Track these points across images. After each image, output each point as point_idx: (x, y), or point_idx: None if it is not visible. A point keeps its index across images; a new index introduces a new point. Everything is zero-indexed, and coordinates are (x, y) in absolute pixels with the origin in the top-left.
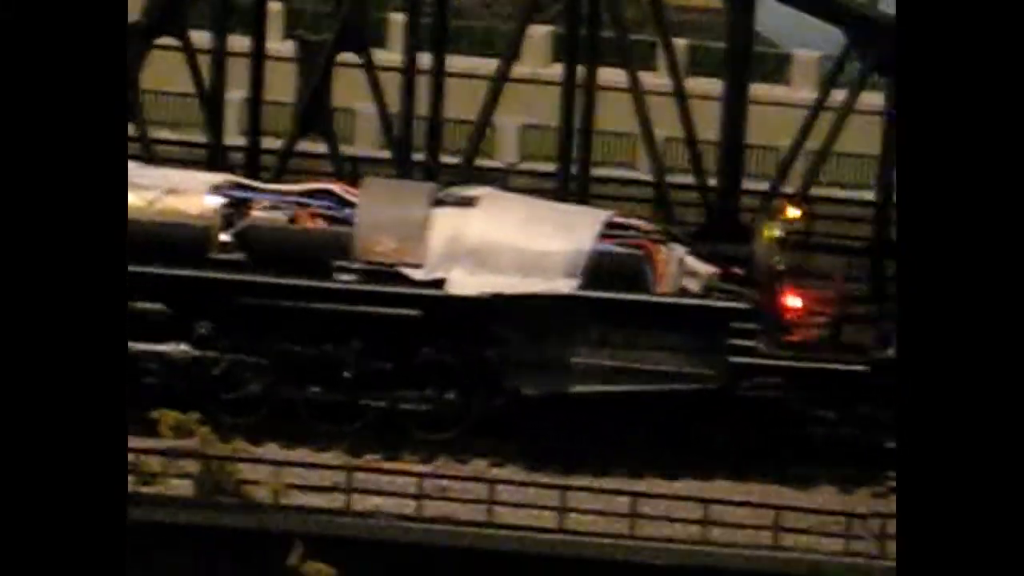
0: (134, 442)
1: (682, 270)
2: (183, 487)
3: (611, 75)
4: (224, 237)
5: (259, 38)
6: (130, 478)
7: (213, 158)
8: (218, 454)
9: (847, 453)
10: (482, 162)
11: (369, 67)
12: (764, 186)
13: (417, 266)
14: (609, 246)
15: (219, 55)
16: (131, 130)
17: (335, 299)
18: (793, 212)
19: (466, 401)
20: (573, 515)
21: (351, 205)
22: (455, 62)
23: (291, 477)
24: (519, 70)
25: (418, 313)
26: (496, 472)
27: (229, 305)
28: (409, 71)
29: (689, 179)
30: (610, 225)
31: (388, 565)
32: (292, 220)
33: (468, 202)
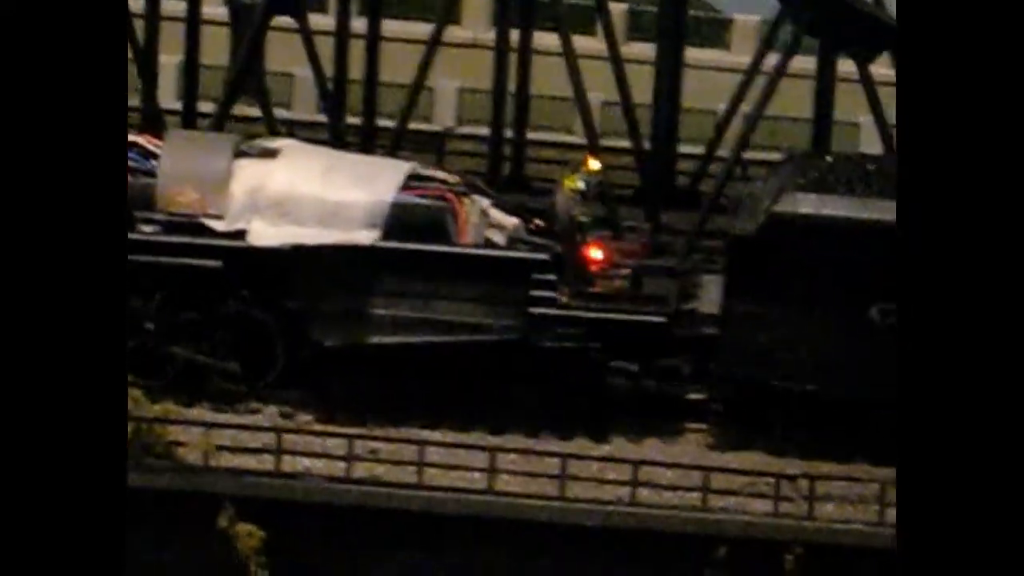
0: None
1: (486, 222)
2: None
3: (548, 40)
4: None
5: (193, 2)
6: None
7: (147, 121)
8: (148, 416)
9: (647, 404)
10: (419, 126)
11: (304, 31)
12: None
13: (219, 217)
14: (411, 197)
15: (152, 19)
16: None
17: (137, 251)
18: (595, 164)
19: (269, 352)
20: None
21: (154, 156)
22: (390, 26)
23: (221, 439)
24: (458, 34)
25: (219, 264)
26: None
27: None
28: (343, 34)
29: (625, 143)
30: (412, 176)
31: (318, 527)
32: None
33: (270, 153)
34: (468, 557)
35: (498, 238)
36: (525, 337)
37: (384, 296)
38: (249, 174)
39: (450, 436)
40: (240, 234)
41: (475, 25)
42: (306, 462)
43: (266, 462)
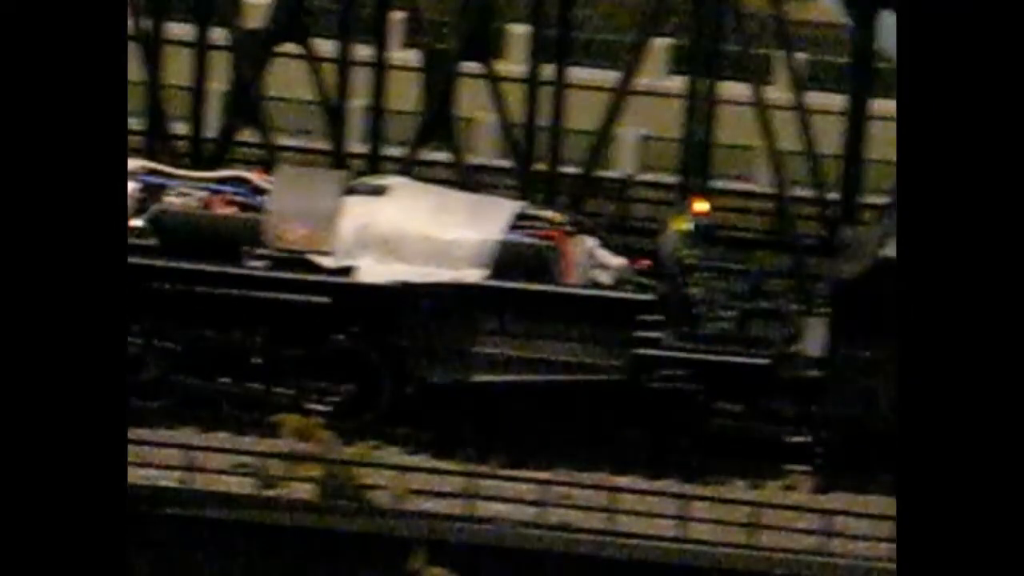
0: (256, 445)
1: (592, 262)
2: (305, 491)
3: (726, 88)
4: (136, 222)
5: (380, 47)
6: (252, 481)
7: (334, 165)
8: (340, 458)
9: (751, 446)
10: (600, 173)
11: (492, 77)
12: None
13: (327, 254)
14: (518, 236)
15: (342, 63)
16: (255, 136)
17: (244, 285)
18: (701, 206)
19: (375, 389)
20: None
21: (264, 192)
22: (573, 73)
23: (414, 483)
24: (635, 81)
25: (327, 300)
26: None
27: (139, 290)
28: (532, 82)
29: (804, 192)
30: (520, 216)
31: (508, 571)
32: (204, 206)
33: (379, 191)
34: None
35: (604, 278)
36: (630, 378)
37: (490, 334)
38: (358, 211)
39: (641, 482)
40: (348, 271)
41: (652, 72)
42: (496, 506)
43: (456, 506)
